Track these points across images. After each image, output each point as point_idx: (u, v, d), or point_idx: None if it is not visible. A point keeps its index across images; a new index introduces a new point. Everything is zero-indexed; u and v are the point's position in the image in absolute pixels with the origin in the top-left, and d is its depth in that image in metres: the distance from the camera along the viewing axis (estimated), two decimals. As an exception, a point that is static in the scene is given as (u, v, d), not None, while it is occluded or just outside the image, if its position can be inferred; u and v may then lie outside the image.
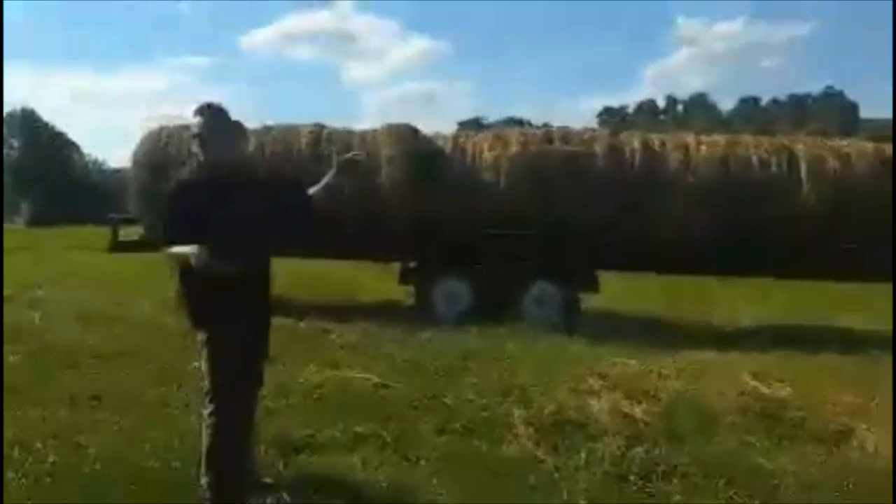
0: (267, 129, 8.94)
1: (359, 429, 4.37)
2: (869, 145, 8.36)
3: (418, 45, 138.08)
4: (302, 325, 7.43)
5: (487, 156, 8.43)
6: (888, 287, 8.86)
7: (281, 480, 3.67)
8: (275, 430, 4.21)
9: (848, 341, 7.27)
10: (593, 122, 57.70)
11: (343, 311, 8.08)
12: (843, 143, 8.37)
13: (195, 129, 3.26)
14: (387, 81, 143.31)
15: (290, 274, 9.74)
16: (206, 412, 3.29)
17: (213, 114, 3.28)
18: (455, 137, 9.01)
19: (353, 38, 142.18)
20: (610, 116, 68.43)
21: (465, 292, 8.45)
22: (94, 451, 3.90)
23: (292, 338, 6.84)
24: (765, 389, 5.63)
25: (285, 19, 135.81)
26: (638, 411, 4.94)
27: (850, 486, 3.89)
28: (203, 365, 3.28)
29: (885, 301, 9.72)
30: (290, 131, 8.90)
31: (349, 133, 8.94)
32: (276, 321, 7.05)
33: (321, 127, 8.96)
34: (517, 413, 4.69)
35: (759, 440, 4.48)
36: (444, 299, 8.47)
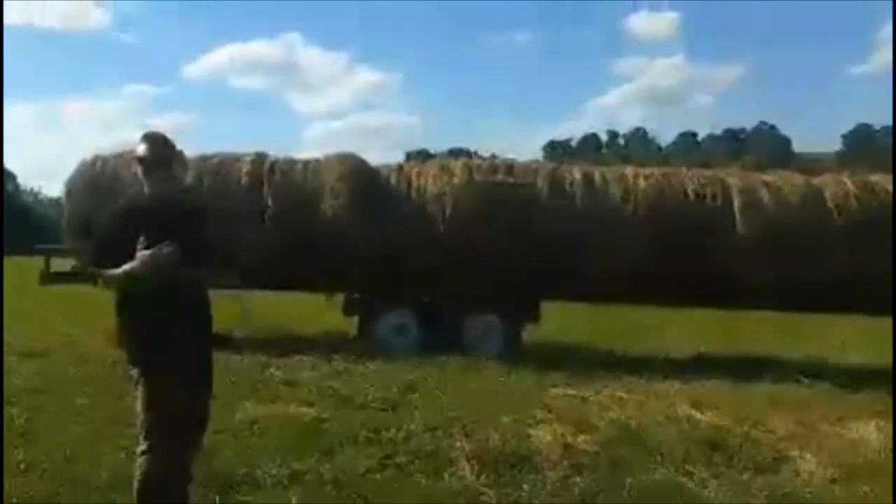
0: (205, 159, 8.79)
1: (297, 465, 4.28)
2: (799, 177, 8.68)
3: (366, 77, 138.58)
4: (240, 359, 7.26)
5: (432, 186, 8.46)
6: (819, 317, 9.16)
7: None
8: (211, 467, 4.07)
9: (781, 370, 7.44)
10: (539, 155, 58.63)
11: (284, 344, 7.94)
12: (775, 176, 8.66)
13: (136, 158, 3.22)
14: (334, 113, 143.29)
15: (227, 306, 9.65)
16: (139, 449, 3.17)
17: (154, 143, 3.24)
18: (400, 167, 9.02)
19: (300, 69, 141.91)
20: (554, 149, 69.65)
21: (409, 323, 8.40)
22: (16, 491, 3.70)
23: (230, 372, 6.69)
24: (702, 418, 5.73)
25: (230, 49, 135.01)
26: (580, 441, 4.96)
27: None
28: (138, 401, 3.17)
29: (816, 329, 10.05)
30: (230, 160, 8.77)
31: (292, 162, 8.87)
32: (214, 355, 6.99)
33: (263, 156, 8.87)
34: (459, 445, 4.65)
35: (697, 468, 4.52)
36: (387, 331, 8.41)
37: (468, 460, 4.39)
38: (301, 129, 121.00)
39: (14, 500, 3.69)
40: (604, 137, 75.34)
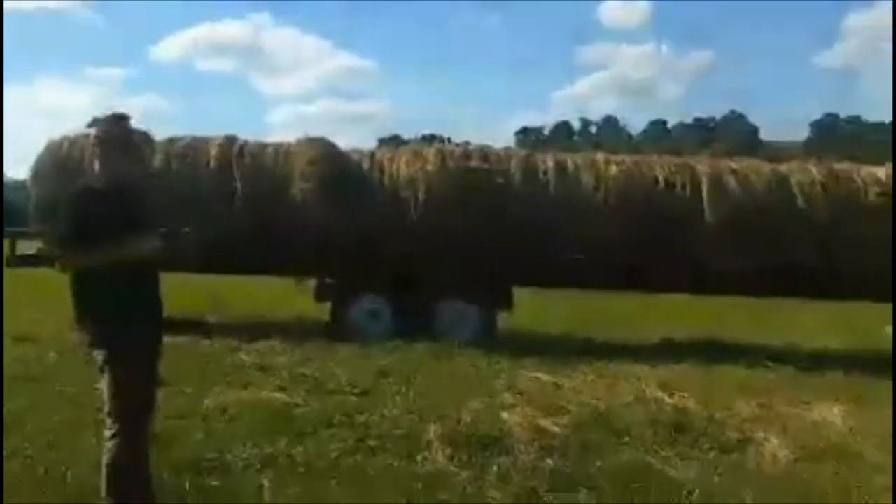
0: (173, 141, 8.68)
1: (268, 449, 4.28)
2: (766, 165, 8.80)
3: (337, 61, 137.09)
4: (210, 343, 7.22)
5: (405, 172, 8.44)
6: (786, 302, 9.35)
7: (186, 504, 3.54)
8: (180, 454, 4.07)
9: (748, 354, 7.58)
10: (512, 141, 58.78)
11: (255, 329, 7.90)
12: (742, 163, 8.77)
13: (97, 139, 3.19)
14: (303, 97, 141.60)
15: (199, 291, 9.59)
16: (107, 433, 3.15)
17: (115, 123, 3.20)
18: (372, 153, 8.99)
19: (272, 51, 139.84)
20: (527, 136, 69.78)
21: (381, 309, 8.40)
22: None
23: (200, 357, 6.66)
24: (671, 400, 5.83)
25: (200, 30, 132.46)
26: (550, 424, 5.02)
27: (751, 491, 4.04)
28: (104, 385, 3.14)
29: (783, 315, 10.25)
30: (198, 143, 8.67)
31: (262, 146, 8.79)
32: (183, 340, 6.96)
33: (232, 139, 8.77)
34: (432, 429, 4.68)
35: (664, 449, 4.61)
36: (360, 316, 8.40)
37: (440, 443, 4.43)
38: (270, 114, 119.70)
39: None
40: (576, 125, 75.74)
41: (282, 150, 8.64)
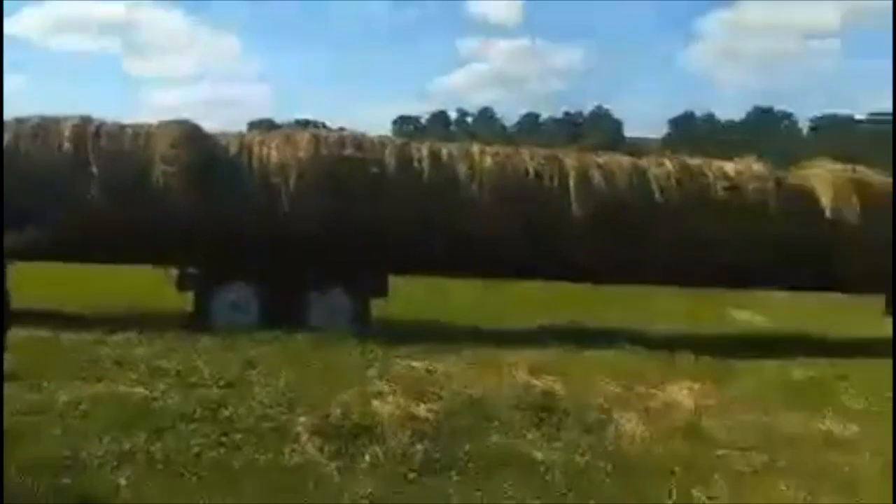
0: (22, 121, 8.04)
1: (126, 445, 4.08)
2: (627, 159, 9.25)
3: (213, 43, 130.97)
4: (65, 336, 6.76)
5: (276, 157, 8.22)
6: (646, 289, 9.87)
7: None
8: (33, 451, 3.81)
9: (610, 338, 7.94)
10: (389, 130, 58.54)
11: (115, 320, 7.47)
12: (606, 157, 9.17)
13: None
14: (176, 79, 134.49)
15: (53, 281, 8.96)
16: None
17: None
18: (241, 137, 8.69)
19: (144, 31, 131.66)
20: (405, 125, 69.80)
21: (250, 299, 8.14)
22: None
23: (53, 351, 6.24)
24: (538, 384, 6.02)
25: (57, 4, 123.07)
26: (422, 411, 5.06)
27: (612, 469, 4.25)
28: None
29: (642, 300, 10.82)
30: (49, 123, 8.07)
31: (120, 127, 8.30)
32: (36, 333, 6.49)
33: (87, 120, 8.23)
34: (301, 421, 4.60)
35: (531, 431, 4.76)
36: (226, 306, 8.10)
37: (309, 435, 4.36)
38: (140, 96, 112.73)
39: None
40: (453, 115, 76.51)
41: (142, 133, 8.20)
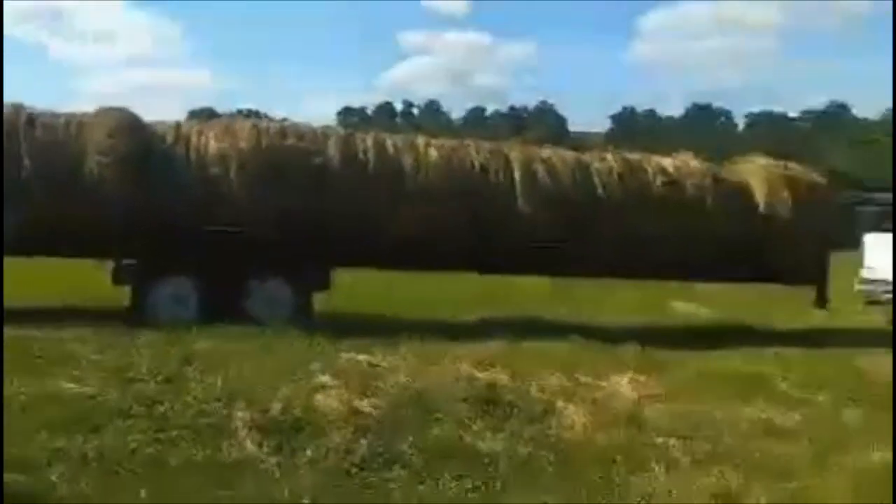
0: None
1: (60, 443, 3.94)
2: (570, 153, 9.34)
3: (151, 29, 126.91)
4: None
5: (214, 147, 8.03)
6: (589, 281, 10.01)
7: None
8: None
9: (554, 330, 8.02)
10: (333, 121, 57.93)
11: (50, 315, 7.20)
12: (550, 151, 9.24)
13: None
14: (114, 66, 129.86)
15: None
16: None
17: None
18: (179, 126, 8.46)
19: (73, 14, 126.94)
20: (350, 116, 69.17)
21: (189, 292, 7.94)
22: None
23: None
24: (483, 376, 6.03)
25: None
26: (365, 405, 5.02)
27: (554, 458, 4.28)
28: None
29: (586, 292, 10.97)
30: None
31: (54, 116, 7.99)
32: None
33: (19, 108, 7.90)
34: (241, 416, 4.51)
35: (475, 423, 4.76)
36: (164, 300, 7.90)
37: (249, 430, 4.27)
38: (73, 84, 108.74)
39: None
40: (399, 107, 76.16)
41: (76, 122, 7.91)
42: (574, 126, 61.21)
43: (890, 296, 10.52)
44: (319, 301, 8.56)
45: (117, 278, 8.15)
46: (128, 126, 7.99)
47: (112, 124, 7.89)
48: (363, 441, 4.29)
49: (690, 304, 11.55)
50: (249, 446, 4.13)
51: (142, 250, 7.97)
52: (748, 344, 7.83)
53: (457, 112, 71.98)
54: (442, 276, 9.65)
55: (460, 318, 9.21)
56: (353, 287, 9.66)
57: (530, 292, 10.87)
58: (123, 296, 8.17)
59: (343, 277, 8.89)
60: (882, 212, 12.56)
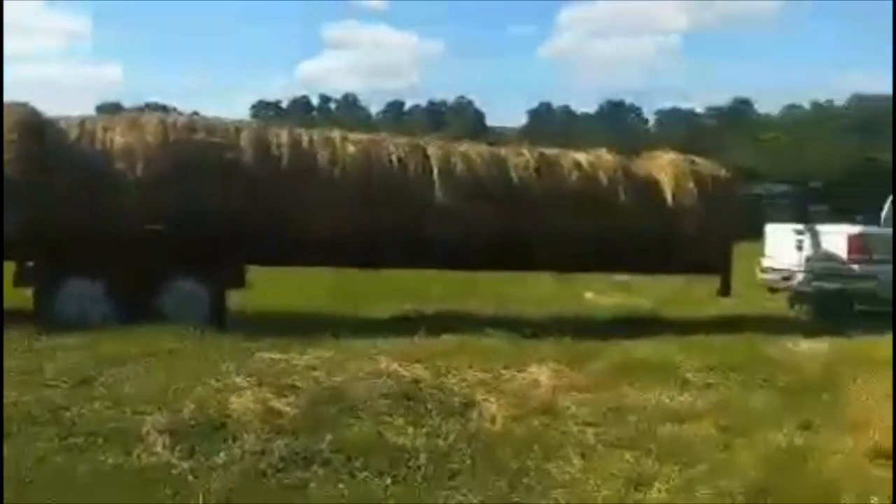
0: None
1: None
2: (486, 148, 9.44)
3: (58, 22, 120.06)
4: None
5: (120, 143, 7.72)
6: (507, 274, 10.15)
7: None
8: None
9: (473, 323, 8.09)
10: (247, 115, 56.56)
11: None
12: (467, 146, 9.31)
13: None
14: (14, 60, 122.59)
15: None
16: None
17: None
18: (83, 121, 8.09)
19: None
20: (264, 110, 67.68)
21: (96, 293, 7.61)
22: None
23: None
24: (403, 371, 6.01)
25: None
26: (282, 405, 4.93)
27: (474, 450, 4.32)
28: None
29: (505, 285, 11.13)
30: None
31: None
32: None
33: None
34: (151, 419, 4.35)
35: (396, 419, 4.75)
36: (70, 302, 7.54)
37: (160, 434, 4.13)
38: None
39: None
40: (315, 101, 75.01)
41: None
42: (492, 121, 61.76)
43: (788, 283, 11.09)
44: (234, 300, 8.36)
45: (18, 280, 7.73)
46: (24, 121, 7.57)
47: (10, 120, 7.47)
48: (280, 441, 4.21)
49: (603, 295, 11.87)
50: (161, 451, 3.99)
51: (44, 251, 7.59)
52: (660, 332, 8.09)
53: (375, 107, 71.46)
54: (357, 272, 9.57)
55: (379, 314, 9.17)
56: (269, 285, 9.49)
57: (449, 286, 10.93)
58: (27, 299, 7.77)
59: (258, 275, 8.71)
60: (781, 203, 13.23)
